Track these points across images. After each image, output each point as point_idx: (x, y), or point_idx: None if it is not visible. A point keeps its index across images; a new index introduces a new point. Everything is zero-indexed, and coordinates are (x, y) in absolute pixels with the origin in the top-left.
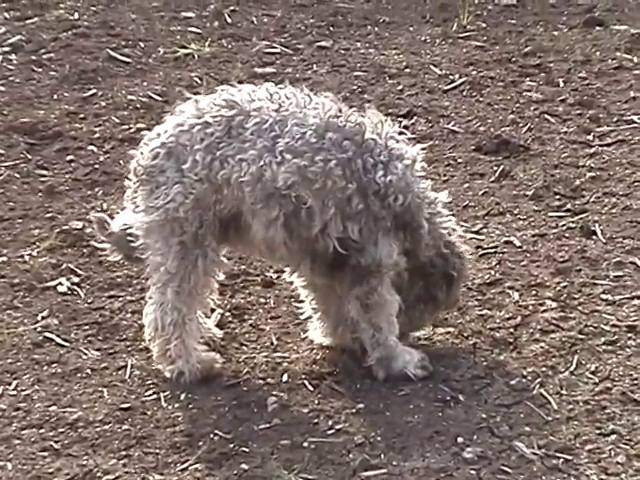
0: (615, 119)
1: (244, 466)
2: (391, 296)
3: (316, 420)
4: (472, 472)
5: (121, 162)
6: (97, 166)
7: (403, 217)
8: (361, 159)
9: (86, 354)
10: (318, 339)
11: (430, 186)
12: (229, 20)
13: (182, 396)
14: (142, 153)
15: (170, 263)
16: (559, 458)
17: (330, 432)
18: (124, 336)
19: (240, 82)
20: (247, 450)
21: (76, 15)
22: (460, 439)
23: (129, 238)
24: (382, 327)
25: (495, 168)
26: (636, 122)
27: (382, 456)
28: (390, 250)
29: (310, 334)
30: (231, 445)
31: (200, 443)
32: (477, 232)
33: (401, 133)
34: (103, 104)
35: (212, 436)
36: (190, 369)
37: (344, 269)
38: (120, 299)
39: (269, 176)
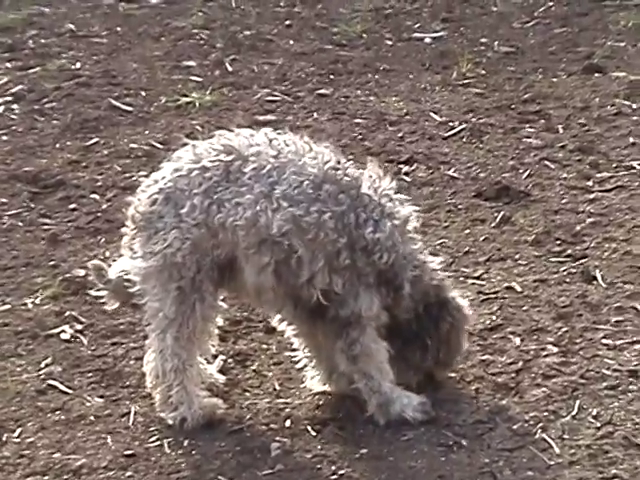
0: (614, 165)
1: None
2: (376, 344)
3: (319, 465)
4: None
5: (123, 210)
6: (99, 214)
7: (386, 274)
8: (354, 213)
9: (90, 401)
10: (317, 387)
11: (422, 249)
12: (230, 69)
13: (185, 442)
14: (139, 200)
15: (168, 309)
16: None
17: (333, 478)
18: (127, 383)
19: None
20: None
21: (78, 64)
22: None
23: (127, 284)
24: (373, 375)
25: (496, 214)
26: (635, 168)
27: None
28: (370, 303)
29: (308, 383)
30: None
31: None
32: (478, 277)
33: (397, 192)
34: (105, 152)
35: None
36: (192, 415)
37: (325, 319)
38: (123, 346)
39: (263, 222)
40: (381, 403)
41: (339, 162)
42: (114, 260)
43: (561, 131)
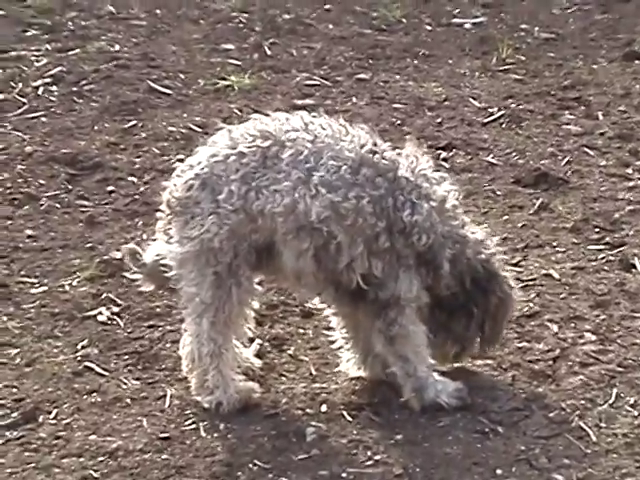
0: None
1: None
2: (415, 326)
3: (355, 451)
4: None
5: (160, 193)
6: (137, 197)
7: (425, 255)
8: (392, 197)
9: (126, 383)
10: (351, 371)
11: (463, 224)
12: (269, 52)
13: (221, 426)
14: (175, 185)
15: (205, 293)
16: None
17: (369, 463)
18: (163, 366)
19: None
20: None
21: (117, 47)
22: (499, 471)
23: (162, 269)
24: (409, 358)
25: (534, 201)
26: None
27: None
28: (410, 285)
29: (343, 366)
30: (270, 475)
31: (239, 473)
32: (516, 264)
33: (437, 169)
34: (143, 135)
35: (251, 466)
36: (228, 399)
37: (365, 300)
38: (160, 329)
39: (302, 209)
40: (416, 388)
41: (375, 144)
42: (150, 243)
43: (601, 118)
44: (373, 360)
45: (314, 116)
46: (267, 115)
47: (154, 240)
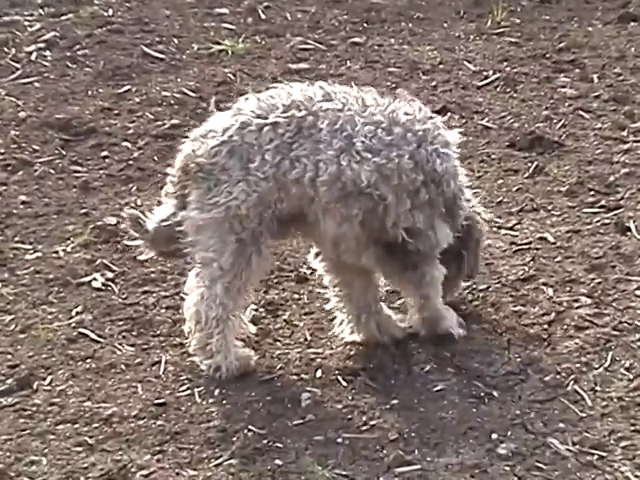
0: None
1: (278, 462)
2: (439, 271)
3: (350, 416)
4: (506, 468)
5: (155, 158)
6: (131, 162)
7: (449, 202)
8: (423, 148)
9: (120, 350)
10: (345, 334)
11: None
12: (263, 16)
13: (216, 392)
14: (195, 151)
15: (225, 260)
16: (593, 455)
17: (364, 428)
18: (158, 332)
19: (274, 78)
20: (281, 446)
21: (110, 11)
22: (494, 435)
23: (166, 234)
24: (431, 297)
25: (529, 164)
26: None
27: (416, 452)
28: (446, 234)
29: (337, 329)
30: (265, 441)
31: (234, 439)
32: (511, 228)
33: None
34: (137, 100)
35: (246, 432)
36: (228, 365)
37: (397, 256)
38: (154, 295)
39: (350, 175)
40: (431, 317)
41: (390, 103)
42: (145, 208)
43: (596, 81)
44: (367, 320)
45: (329, 84)
46: (286, 84)
47: (151, 205)
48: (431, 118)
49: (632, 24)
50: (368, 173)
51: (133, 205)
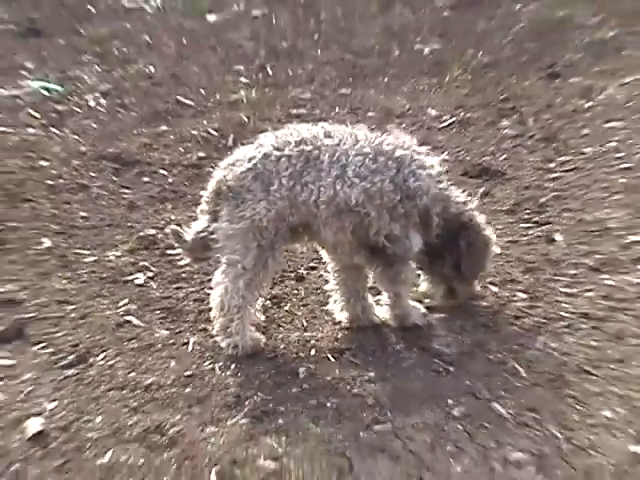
0: (572, 151)
1: (280, 421)
2: (412, 274)
3: (337, 386)
4: (459, 427)
5: (186, 183)
6: (167, 186)
7: (422, 212)
8: (400, 172)
9: (157, 333)
10: (336, 313)
11: (448, 187)
12: (270, 72)
13: (232, 366)
14: (225, 176)
15: (247, 261)
16: (527, 416)
17: (348, 395)
18: (187, 319)
19: (279, 120)
20: (283, 409)
21: (152, 68)
22: (450, 401)
23: (201, 243)
24: (401, 294)
25: (478, 189)
26: (588, 153)
27: (388, 414)
28: (418, 240)
29: (330, 306)
30: (270, 405)
31: (246, 403)
32: None
33: (420, 145)
34: (172, 138)
35: (255, 397)
36: (243, 344)
37: (379, 256)
38: (184, 290)
39: (342, 197)
40: (402, 315)
41: (376, 137)
42: (180, 221)
43: (531, 124)
44: (354, 303)
45: (326, 125)
46: (301, 121)
47: (182, 218)
48: (411, 147)
49: (557, 80)
50: (357, 195)
51: (168, 220)
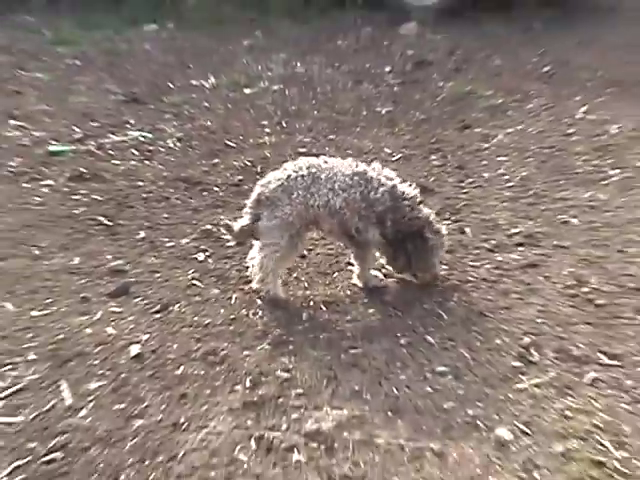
0: (476, 175)
1: (291, 347)
2: (373, 254)
3: (327, 325)
4: (404, 351)
5: (230, 196)
6: (218, 198)
7: (379, 215)
8: (366, 188)
9: (212, 291)
10: (354, 278)
11: (413, 203)
12: (284, 125)
13: (260, 312)
14: (263, 190)
15: (282, 244)
16: (448, 344)
17: (334, 330)
18: (232, 282)
19: (289, 155)
20: (292, 339)
21: (209, 123)
22: (399, 334)
23: (245, 233)
24: (366, 266)
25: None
26: (486, 177)
27: (360, 342)
28: (374, 234)
29: (353, 277)
30: (284, 337)
31: (269, 335)
32: None
33: (391, 173)
34: (222, 167)
35: (275, 332)
36: (274, 292)
37: (353, 241)
38: (230, 263)
39: (332, 203)
40: (365, 279)
41: (358, 165)
42: (229, 219)
43: (449, 158)
44: (361, 272)
45: (328, 158)
46: (305, 156)
47: (232, 217)
48: (381, 172)
49: (467, 130)
50: (340, 202)
51: (220, 219)
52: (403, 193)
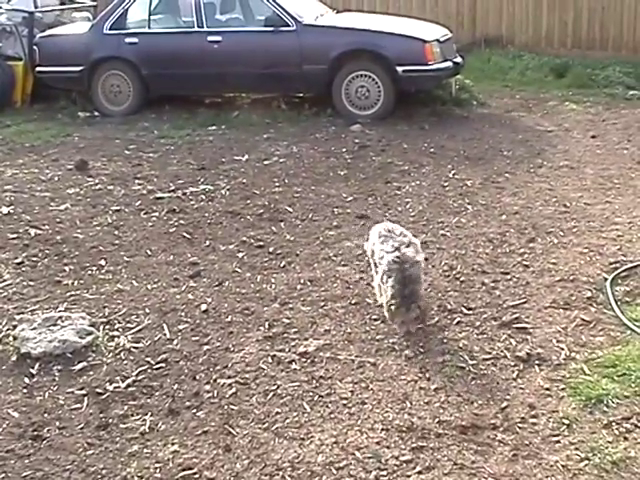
0: (393, 209)
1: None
2: None
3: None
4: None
5: (257, 221)
6: (250, 223)
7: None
8: (387, 241)
9: (247, 275)
10: None
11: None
12: (286, 182)
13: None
14: (369, 240)
15: None
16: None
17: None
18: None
19: (288, 199)
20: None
21: (244, 180)
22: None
23: None
24: None
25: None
26: (399, 210)
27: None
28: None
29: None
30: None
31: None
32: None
33: (399, 230)
34: (251, 205)
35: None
36: None
37: None
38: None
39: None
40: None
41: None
42: (259, 235)
43: (380, 200)
44: None
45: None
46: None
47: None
48: (396, 230)
49: (388, 184)
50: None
51: (251, 234)
52: (401, 242)
